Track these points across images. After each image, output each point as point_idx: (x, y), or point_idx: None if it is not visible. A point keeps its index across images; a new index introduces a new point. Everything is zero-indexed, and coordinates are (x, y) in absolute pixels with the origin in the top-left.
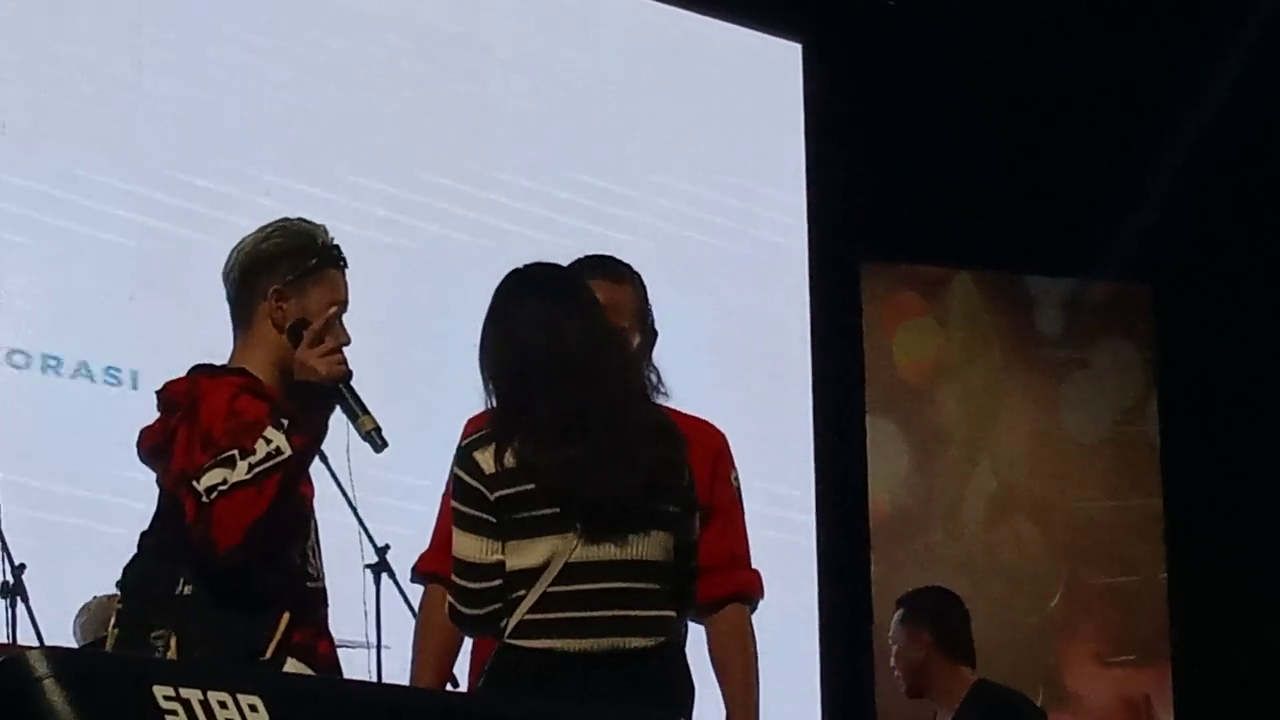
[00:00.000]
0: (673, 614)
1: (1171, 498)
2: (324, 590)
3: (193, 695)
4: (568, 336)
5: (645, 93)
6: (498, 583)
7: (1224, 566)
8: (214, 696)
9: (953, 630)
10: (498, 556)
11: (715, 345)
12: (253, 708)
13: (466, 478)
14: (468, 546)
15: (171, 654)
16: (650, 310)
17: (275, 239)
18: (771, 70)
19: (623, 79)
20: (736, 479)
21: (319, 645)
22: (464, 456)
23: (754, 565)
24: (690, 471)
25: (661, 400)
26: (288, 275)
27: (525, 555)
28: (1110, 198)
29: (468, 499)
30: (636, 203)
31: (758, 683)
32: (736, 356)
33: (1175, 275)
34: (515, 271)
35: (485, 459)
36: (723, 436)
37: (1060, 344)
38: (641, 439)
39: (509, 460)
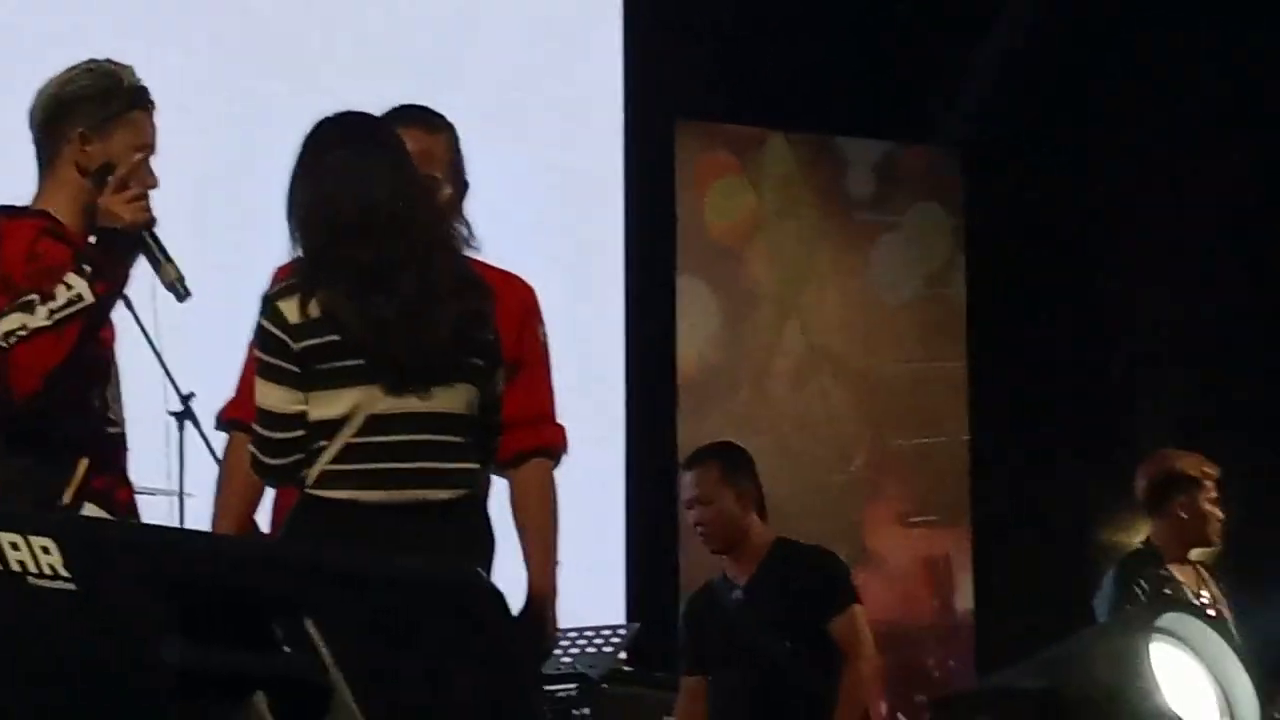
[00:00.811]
0: (475, 467)
1: (976, 361)
2: (124, 436)
3: None
4: (376, 186)
5: None
6: (300, 433)
7: (1026, 430)
8: (6, 538)
9: (757, 485)
10: (300, 407)
11: (528, 201)
12: (45, 550)
13: (271, 327)
14: (271, 396)
15: None
16: (462, 162)
17: (81, 80)
18: None
19: None
20: (544, 335)
21: (118, 491)
22: (269, 306)
23: (560, 421)
24: (497, 325)
25: (472, 253)
26: (94, 118)
27: (328, 406)
28: (924, 63)
29: (271, 349)
30: (451, 58)
31: (557, 537)
32: (549, 212)
33: (985, 141)
34: (325, 119)
35: (290, 309)
36: (532, 292)
37: (871, 207)
38: (448, 292)
39: (313, 310)
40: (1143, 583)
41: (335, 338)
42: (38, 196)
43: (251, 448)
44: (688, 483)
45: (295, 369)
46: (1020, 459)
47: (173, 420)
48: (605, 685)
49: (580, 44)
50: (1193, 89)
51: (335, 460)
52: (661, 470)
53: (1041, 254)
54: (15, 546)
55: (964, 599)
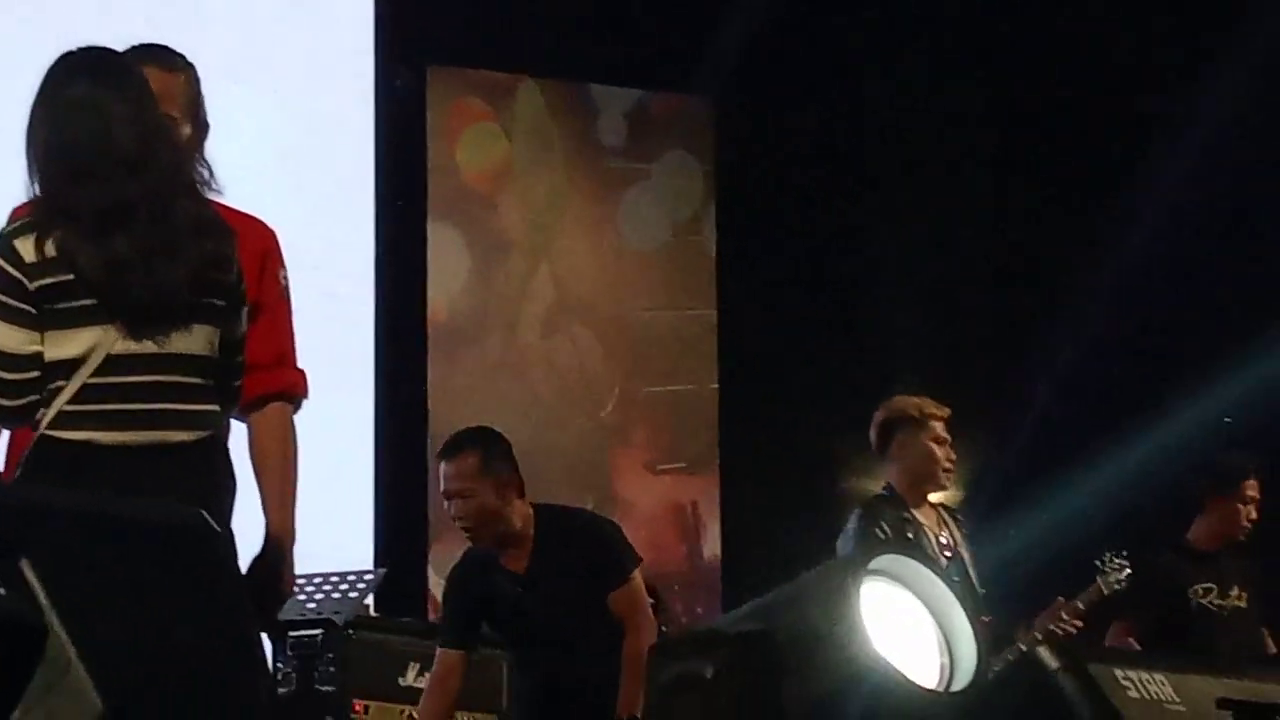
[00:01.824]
0: (215, 408)
1: (726, 309)
2: None
3: None
4: (116, 125)
5: None
6: (35, 374)
7: (774, 378)
8: None
9: (515, 469)
10: (35, 347)
11: (280, 146)
12: None
13: (6, 267)
14: (5, 337)
15: None
16: (203, 102)
17: None
18: None
19: None
20: (285, 278)
21: None
22: (4, 244)
23: (307, 366)
24: (239, 266)
25: (214, 196)
26: None
27: (65, 346)
28: (675, 11)
29: (6, 288)
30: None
31: (295, 481)
32: (301, 158)
33: (736, 90)
34: (65, 54)
35: (26, 248)
36: (273, 234)
37: (622, 154)
38: (187, 233)
39: (50, 250)
40: (884, 525)
41: (71, 277)
42: None
43: None
44: (444, 474)
45: (30, 309)
46: (769, 407)
47: None
48: (351, 631)
49: None
50: (936, 40)
51: (72, 401)
52: (411, 417)
53: (791, 203)
54: None
55: (712, 546)
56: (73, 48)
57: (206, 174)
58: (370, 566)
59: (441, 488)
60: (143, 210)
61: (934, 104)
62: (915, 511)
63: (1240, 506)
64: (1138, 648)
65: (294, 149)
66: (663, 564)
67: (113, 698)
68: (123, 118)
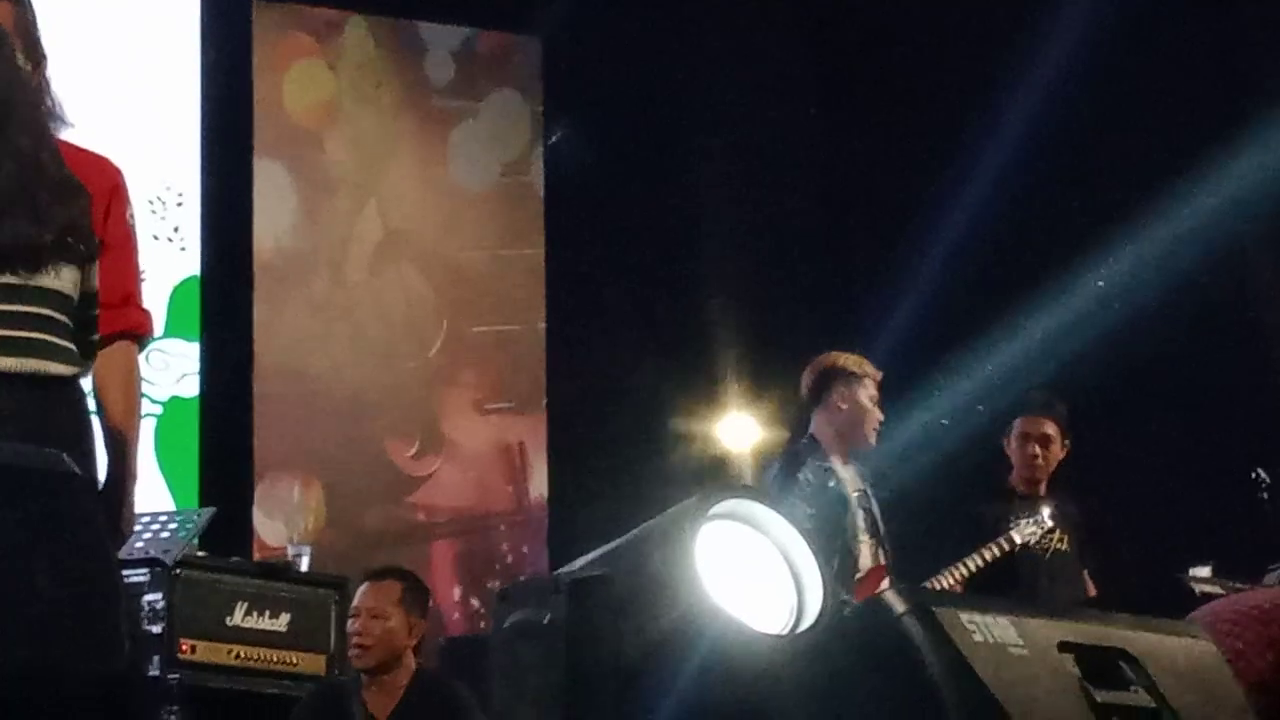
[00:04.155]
0: (77, 350)
1: (554, 249)
2: None
3: None
4: None
5: None
6: None
7: (602, 319)
8: None
9: (425, 623)
10: None
11: (103, 80)
12: None
13: None
14: None
15: None
16: (38, 31)
17: None
18: None
19: None
20: (131, 218)
21: None
22: None
23: (145, 306)
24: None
25: (65, 130)
26: None
27: None
28: None
29: None
30: None
31: (139, 421)
32: (125, 93)
33: (564, 28)
34: None
35: None
36: (119, 173)
37: (451, 93)
38: (53, 199)
39: None
40: (808, 474)
41: None
42: None
43: None
44: (365, 592)
45: None
46: (597, 348)
47: None
48: (179, 571)
49: None
50: None
51: None
52: (237, 356)
53: (619, 142)
54: None
55: (538, 486)
56: None
57: (54, 106)
58: (195, 503)
59: (355, 604)
60: (6, 158)
61: (761, 40)
62: (835, 460)
63: (1021, 447)
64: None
65: (119, 85)
66: (490, 504)
67: None
68: None
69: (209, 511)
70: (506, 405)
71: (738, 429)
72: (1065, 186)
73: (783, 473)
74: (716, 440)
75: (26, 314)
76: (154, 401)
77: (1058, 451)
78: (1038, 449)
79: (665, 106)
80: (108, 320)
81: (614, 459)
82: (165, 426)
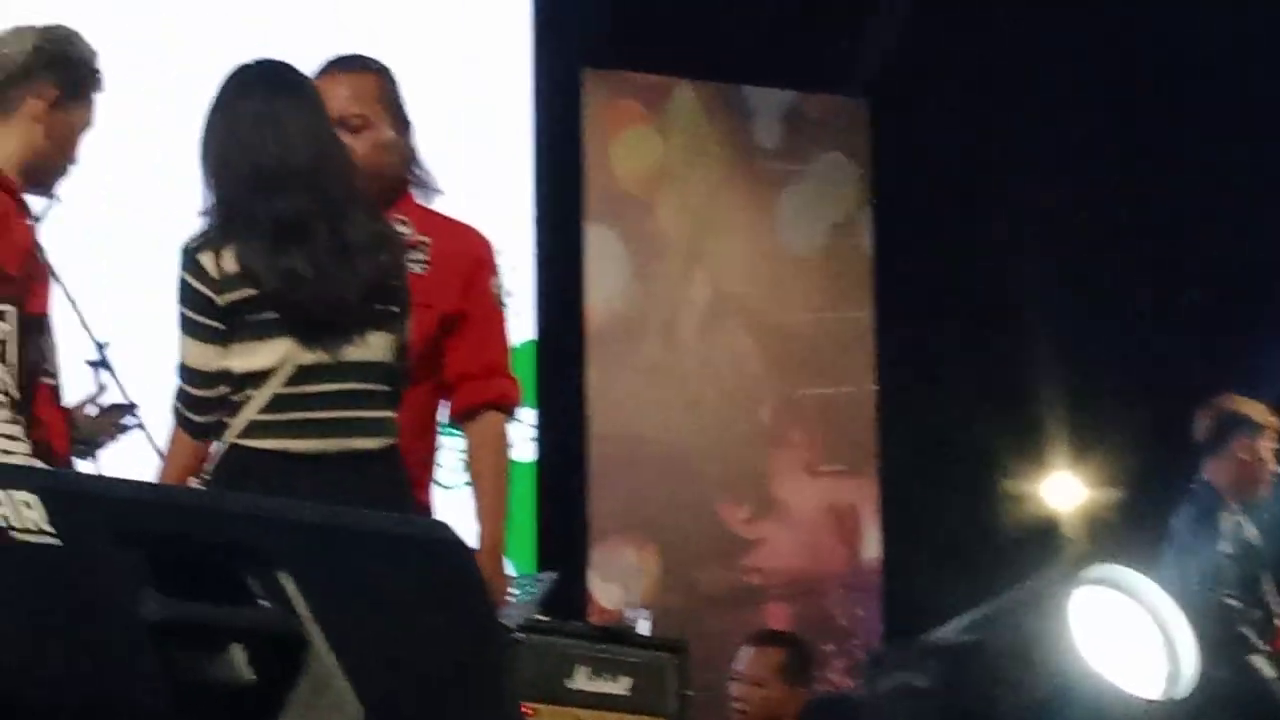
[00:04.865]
0: (394, 415)
1: (882, 311)
2: (59, 389)
3: None
4: (292, 137)
5: None
6: (224, 389)
7: (930, 379)
8: None
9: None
10: (223, 363)
11: (436, 150)
12: (27, 504)
13: (193, 281)
14: (194, 353)
15: None
16: (401, 100)
17: (68, 43)
18: None
19: None
20: (498, 287)
21: (55, 444)
22: (188, 259)
23: (514, 375)
24: (441, 275)
25: (436, 197)
26: (68, 85)
27: (254, 357)
28: (829, 10)
29: (194, 304)
30: (357, 5)
31: (508, 490)
32: (457, 162)
33: (891, 90)
34: (241, 66)
35: (208, 262)
36: (485, 243)
37: (778, 156)
38: (363, 248)
39: (228, 263)
40: (1221, 521)
41: (253, 291)
42: None
43: (176, 402)
44: (745, 657)
45: (218, 324)
46: (926, 408)
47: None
48: (520, 636)
49: None
50: (1097, 37)
51: (263, 411)
52: (571, 419)
53: (946, 203)
54: None
55: (871, 548)
56: (249, 60)
57: (421, 174)
58: (533, 570)
59: (737, 667)
60: (318, 224)
61: (1086, 98)
62: (1235, 510)
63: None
64: None
65: (451, 154)
66: (822, 566)
67: (372, 707)
68: (299, 130)
69: (550, 576)
70: (838, 467)
71: (1064, 488)
72: None
73: (1197, 520)
74: (1043, 500)
75: (340, 392)
76: None
77: None
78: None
79: (992, 166)
80: (474, 391)
81: (947, 519)
82: None
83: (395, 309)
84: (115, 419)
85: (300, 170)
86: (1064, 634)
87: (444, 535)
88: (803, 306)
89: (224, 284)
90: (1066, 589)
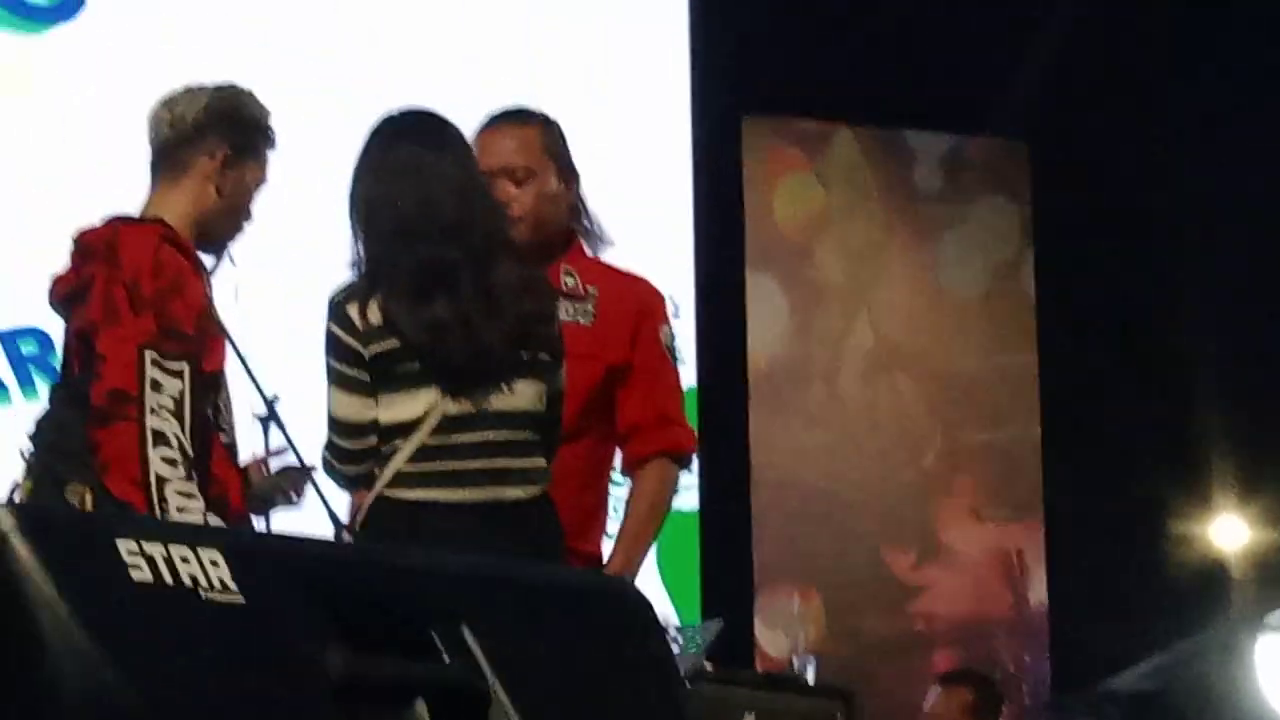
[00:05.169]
0: (544, 463)
1: (1046, 354)
2: (235, 445)
3: (156, 550)
4: (436, 187)
5: None
6: (373, 440)
7: (1096, 423)
8: (176, 551)
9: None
10: (371, 414)
11: (596, 198)
12: (214, 562)
13: (340, 333)
14: (342, 405)
15: (87, 508)
16: (567, 150)
17: (238, 101)
18: None
19: None
20: (668, 336)
21: (230, 498)
22: (335, 310)
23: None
24: (608, 325)
25: (606, 248)
26: (240, 143)
27: (401, 408)
28: (990, 54)
29: (341, 356)
30: (518, 53)
31: (656, 532)
32: (618, 210)
33: (1052, 132)
34: (389, 115)
35: (355, 313)
36: (654, 293)
37: (939, 200)
38: (507, 295)
39: (374, 314)
40: None
41: (397, 343)
42: (153, 203)
43: (325, 454)
44: (934, 696)
45: (365, 376)
46: (1092, 452)
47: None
48: (689, 684)
49: (646, 40)
50: (1264, 70)
51: (410, 461)
52: (734, 467)
53: (1110, 244)
54: (186, 560)
55: (1038, 593)
56: (395, 110)
57: (591, 225)
58: (698, 619)
59: (927, 707)
60: (462, 272)
61: (1271, 133)
62: None
63: None
64: None
65: (611, 202)
66: (989, 612)
67: None
68: (443, 180)
69: (717, 624)
70: (1003, 512)
71: (1231, 530)
72: None
73: None
74: (1210, 542)
75: (488, 442)
76: None
77: None
78: None
79: (1155, 205)
80: (647, 440)
81: (1114, 564)
82: (666, 540)
83: (545, 357)
84: (290, 483)
85: (443, 220)
86: (1250, 682)
87: (627, 590)
88: (965, 351)
89: (369, 335)
90: (1251, 635)
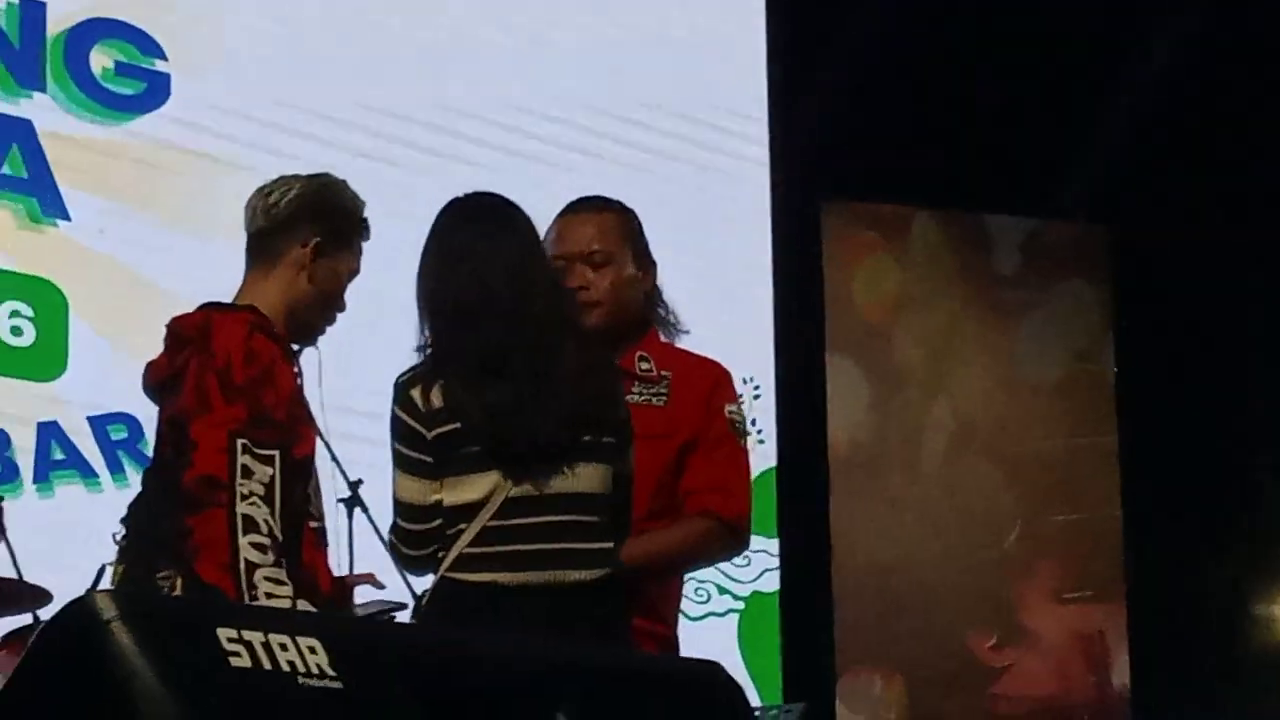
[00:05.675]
0: (611, 546)
1: (1126, 436)
2: (325, 530)
3: (255, 637)
4: (493, 273)
5: (605, 23)
6: (438, 522)
7: (1178, 505)
8: (275, 639)
9: None
10: (436, 497)
11: (677, 284)
12: (311, 649)
13: (404, 416)
14: (408, 488)
15: (176, 593)
16: (644, 239)
17: (332, 191)
18: (735, 2)
19: (579, 8)
20: (737, 412)
21: (320, 583)
22: (400, 393)
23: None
24: (681, 403)
25: (681, 336)
26: (332, 232)
27: (464, 491)
28: (1069, 138)
29: (405, 439)
30: (597, 134)
31: (676, 564)
32: (699, 295)
33: (1132, 216)
34: (453, 201)
35: (418, 396)
36: (722, 371)
37: (1018, 284)
38: (568, 379)
39: (436, 398)
40: None
41: (459, 426)
42: (245, 290)
43: (391, 536)
44: None
45: (429, 459)
46: (1173, 534)
47: (342, 507)
48: None
49: (726, 123)
50: None
51: (473, 544)
52: (814, 549)
53: (1191, 326)
54: (284, 647)
55: (1120, 675)
56: (461, 194)
57: (665, 313)
58: (779, 698)
59: None
60: (520, 357)
61: None
62: None
63: None
64: None
65: (692, 287)
66: (1071, 694)
67: None
68: (502, 262)
69: (800, 707)
70: (1085, 594)
71: None
72: None
73: None
74: None
75: (550, 524)
76: (736, 598)
77: None
78: None
79: (1234, 288)
80: (695, 501)
81: (1196, 647)
82: (748, 621)
83: (610, 440)
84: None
85: (501, 303)
86: None
87: (718, 676)
88: (1045, 433)
89: (432, 418)
90: None
